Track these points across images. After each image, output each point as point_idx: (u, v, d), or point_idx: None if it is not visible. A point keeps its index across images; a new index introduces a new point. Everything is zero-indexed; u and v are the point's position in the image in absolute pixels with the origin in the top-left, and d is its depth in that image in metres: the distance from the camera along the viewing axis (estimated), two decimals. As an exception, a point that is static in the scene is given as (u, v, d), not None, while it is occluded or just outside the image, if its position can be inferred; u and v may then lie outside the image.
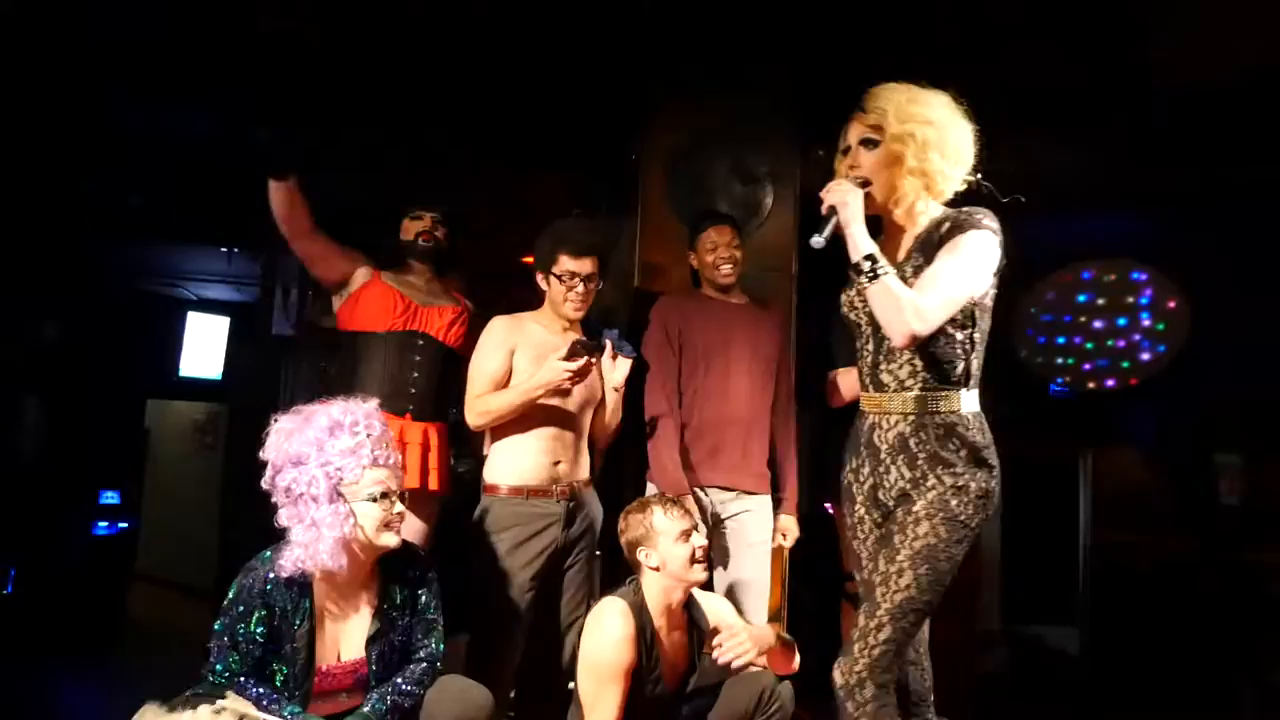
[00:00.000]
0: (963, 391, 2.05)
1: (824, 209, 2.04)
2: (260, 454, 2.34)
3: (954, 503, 1.98)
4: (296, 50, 3.72)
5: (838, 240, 2.05)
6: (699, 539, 2.63)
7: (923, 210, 2.12)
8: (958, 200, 2.15)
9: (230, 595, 2.29)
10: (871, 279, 1.98)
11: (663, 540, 2.59)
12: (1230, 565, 5.64)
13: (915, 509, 2.00)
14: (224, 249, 5.79)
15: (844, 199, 2.03)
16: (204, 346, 6.82)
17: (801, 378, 3.50)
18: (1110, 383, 6.03)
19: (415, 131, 4.14)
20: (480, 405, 2.89)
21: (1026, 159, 4.57)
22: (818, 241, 2.01)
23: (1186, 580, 5.82)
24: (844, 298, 2.19)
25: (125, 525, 6.10)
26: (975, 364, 2.09)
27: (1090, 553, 6.44)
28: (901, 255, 2.11)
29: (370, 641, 2.36)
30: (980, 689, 4.59)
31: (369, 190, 3.81)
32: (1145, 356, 5.95)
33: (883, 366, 2.10)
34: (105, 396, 6.01)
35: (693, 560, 2.59)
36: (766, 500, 3.25)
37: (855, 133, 2.14)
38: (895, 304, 1.96)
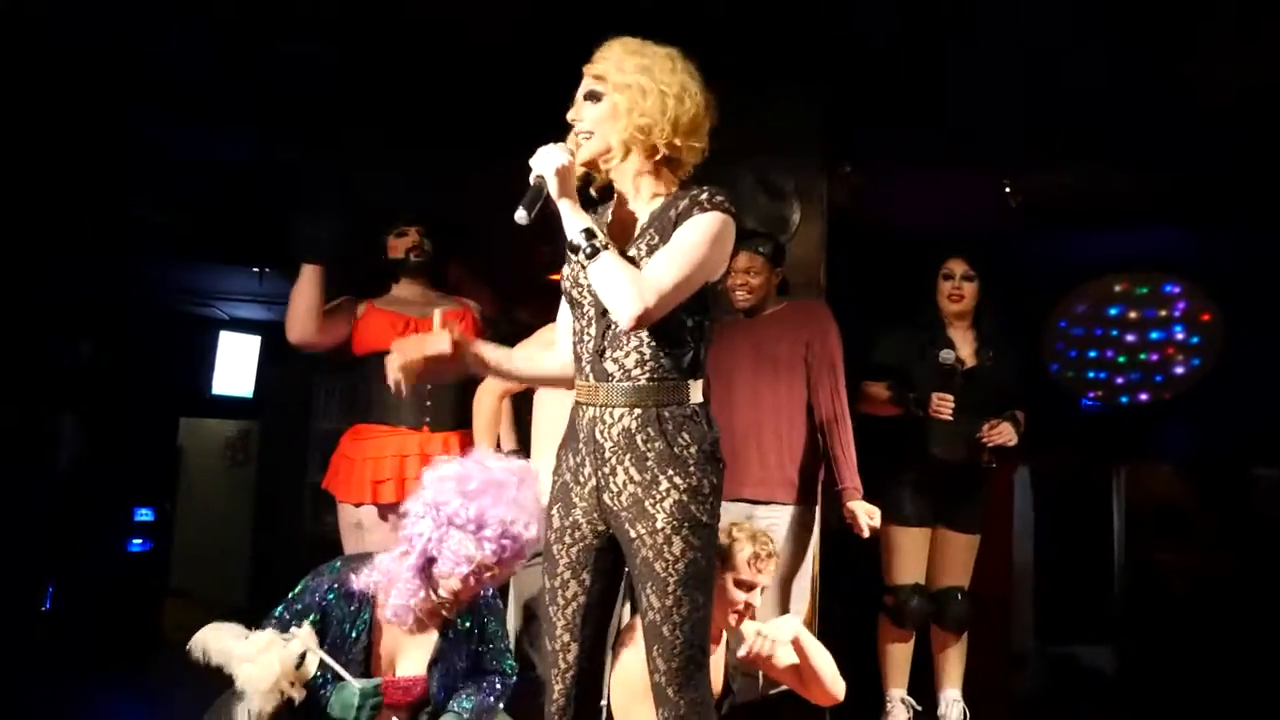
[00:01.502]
0: (691, 382, 1.88)
1: (532, 178, 1.83)
2: (427, 472, 2.32)
3: (693, 507, 1.83)
4: (335, 68, 3.76)
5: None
6: (755, 598, 2.54)
7: (656, 188, 1.92)
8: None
9: (297, 589, 2.32)
10: (590, 255, 1.78)
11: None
12: (1270, 582, 5.54)
13: (659, 525, 1.82)
14: (255, 269, 5.86)
15: (551, 168, 1.81)
16: (236, 365, 6.88)
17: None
18: (1144, 397, 5.96)
19: (436, 145, 4.17)
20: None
21: (1062, 171, 4.58)
22: (521, 216, 1.79)
23: (1224, 597, 5.71)
24: (566, 273, 1.95)
25: (159, 542, 6.17)
26: (704, 353, 1.93)
27: (1125, 570, 6.35)
28: (636, 232, 1.91)
29: (433, 663, 2.36)
30: (1015, 711, 4.52)
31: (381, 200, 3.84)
32: (1179, 370, 5.88)
33: (607, 354, 1.87)
34: (139, 415, 6.08)
35: (733, 610, 2.52)
36: (795, 510, 3.20)
37: (581, 87, 1.92)
38: (621, 282, 1.76)
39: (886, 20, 3.50)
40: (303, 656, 2.12)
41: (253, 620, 2.28)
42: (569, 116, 1.91)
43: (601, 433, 1.87)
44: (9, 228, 4.56)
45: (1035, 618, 6.12)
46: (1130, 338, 5.88)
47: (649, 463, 1.84)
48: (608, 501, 1.88)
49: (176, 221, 5.15)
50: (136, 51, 3.73)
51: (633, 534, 1.85)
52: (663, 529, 1.82)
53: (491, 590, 2.48)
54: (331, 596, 2.29)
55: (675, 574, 1.82)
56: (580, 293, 1.91)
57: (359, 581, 2.28)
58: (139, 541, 6.04)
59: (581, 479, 1.91)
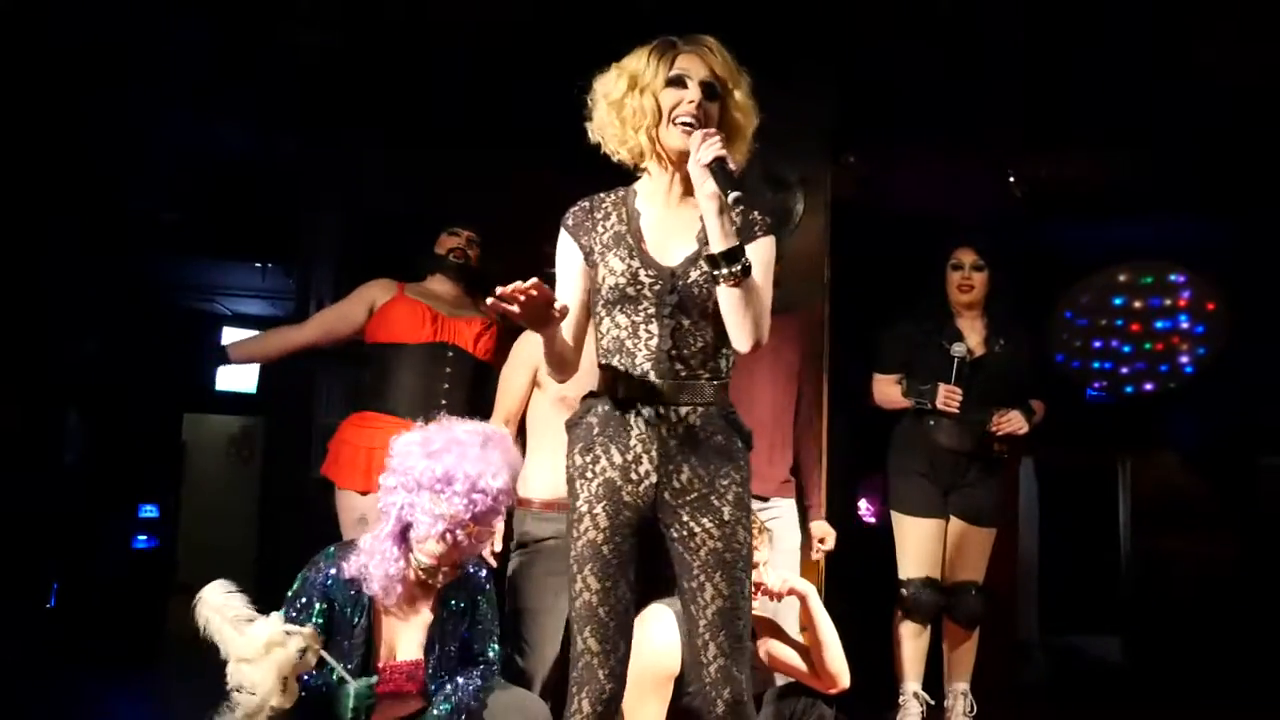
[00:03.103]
0: (729, 383, 1.97)
1: (710, 160, 1.76)
2: (394, 441, 2.35)
3: (747, 499, 1.93)
4: (335, 62, 3.76)
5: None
6: (762, 554, 2.58)
7: (686, 189, 1.91)
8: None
9: (295, 587, 2.35)
10: (745, 274, 1.78)
11: None
12: (1275, 571, 5.53)
13: (726, 517, 1.87)
14: (258, 264, 5.85)
15: (718, 152, 1.76)
16: (239, 360, 6.89)
17: (836, 381, 3.49)
18: (1149, 386, 5.94)
19: (443, 140, 4.16)
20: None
21: (1066, 161, 4.57)
22: (737, 196, 1.72)
23: (1230, 587, 5.71)
24: (619, 269, 1.89)
25: (163, 538, 6.17)
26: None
27: (1130, 560, 6.34)
28: (684, 234, 1.92)
29: (428, 646, 2.38)
30: (1020, 701, 4.52)
31: (409, 202, 3.84)
32: (1184, 360, 5.85)
33: (674, 353, 1.88)
34: (143, 411, 6.09)
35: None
36: (793, 505, 3.26)
37: (696, 69, 1.87)
38: (762, 309, 1.84)
39: (891, 10, 3.48)
40: (303, 653, 2.11)
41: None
42: (690, 100, 1.85)
43: (668, 429, 1.89)
44: (10, 224, 4.55)
45: (1040, 608, 6.12)
46: (1135, 327, 5.85)
47: (710, 458, 1.90)
48: (668, 498, 1.89)
49: (179, 217, 5.15)
50: (137, 45, 3.72)
51: (697, 528, 1.88)
52: (729, 520, 1.88)
53: (485, 571, 2.49)
54: (330, 582, 2.32)
55: (741, 560, 1.89)
56: (640, 290, 1.89)
57: (350, 567, 2.31)
58: (143, 538, 6.05)
59: (636, 476, 1.89)
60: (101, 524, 5.73)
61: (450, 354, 3.15)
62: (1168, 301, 5.83)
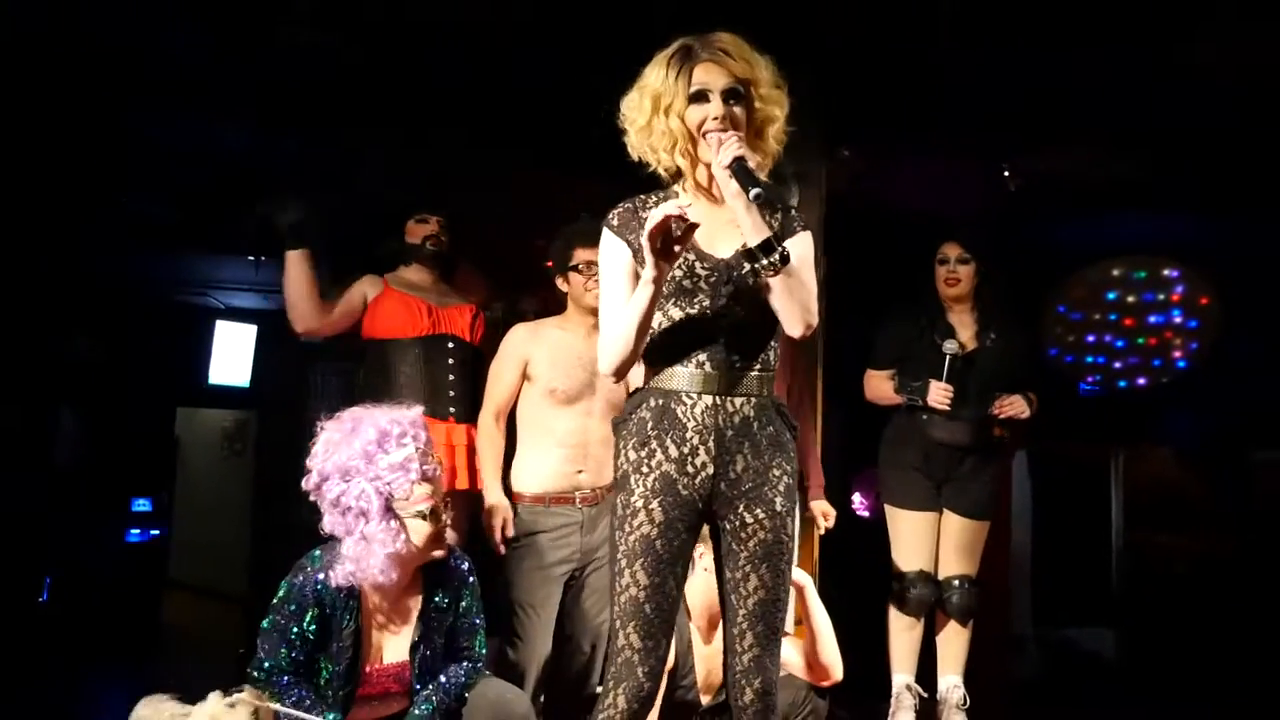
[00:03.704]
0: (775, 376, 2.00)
1: (730, 162, 1.79)
2: (307, 461, 2.31)
3: (795, 491, 1.98)
4: (316, 56, 3.74)
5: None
6: None
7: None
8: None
9: (281, 594, 2.31)
10: (784, 261, 1.80)
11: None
12: (1267, 564, 5.55)
13: (778, 509, 1.91)
14: (251, 257, 5.83)
15: (738, 151, 1.80)
16: (232, 354, 6.86)
17: (831, 375, 3.49)
18: (1142, 381, 5.95)
19: (435, 138, 4.15)
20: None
21: (1061, 156, 4.57)
22: (759, 193, 1.76)
23: (1222, 580, 5.73)
24: (654, 259, 1.84)
25: (157, 532, 6.16)
26: None
27: (1123, 554, 6.36)
28: (725, 231, 1.93)
29: (414, 646, 2.38)
30: (1014, 695, 4.53)
31: (380, 192, 3.83)
32: (1178, 354, 5.87)
33: (731, 345, 1.91)
34: (136, 405, 6.07)
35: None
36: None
37: (715, 79, 1.89)
38: (809, 294, 1.87)
39: (884, 3, 3.48)
40: (255, 715, 2.07)
41: (253, 612, 2.28)
42: (714, 116, 1.87)
43: (724, 420, 1.90)
44: (2, 219, 4.54)
45: (1034, 602, 6.14)
46: (1129, 322, 5.87)
47: (763, 449, 1.92)
48: (724, 489, 1.91)
49: (171, 210, 5.13)
50: (129, 40, 3.71)
51: (749, 518, 1.91)
52: (780, 511, 1.92)
53: (467, 564, 2.49)
54: (320, 587, 2.30)
55: (787, 553, 1.94)
56: (696, 283, 1.91)
57: (340, 577, 2.28)
58: (137, 532, 6.03)
59: (692, 468, 1.90)
60: (95, 518, 5.71)
61: (451, 344, 3.15)
62: (1161, 296, 5.84)
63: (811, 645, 2.63)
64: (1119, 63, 3.76)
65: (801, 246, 1.92)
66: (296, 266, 3.10)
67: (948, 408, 3.38)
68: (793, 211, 1.95)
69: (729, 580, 1.93)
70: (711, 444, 1.89)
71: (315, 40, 3.66)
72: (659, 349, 1.93)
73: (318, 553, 2.36)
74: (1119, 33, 3.56)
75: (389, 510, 2.28)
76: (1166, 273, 5.83)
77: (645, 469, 1.91)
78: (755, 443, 1.91)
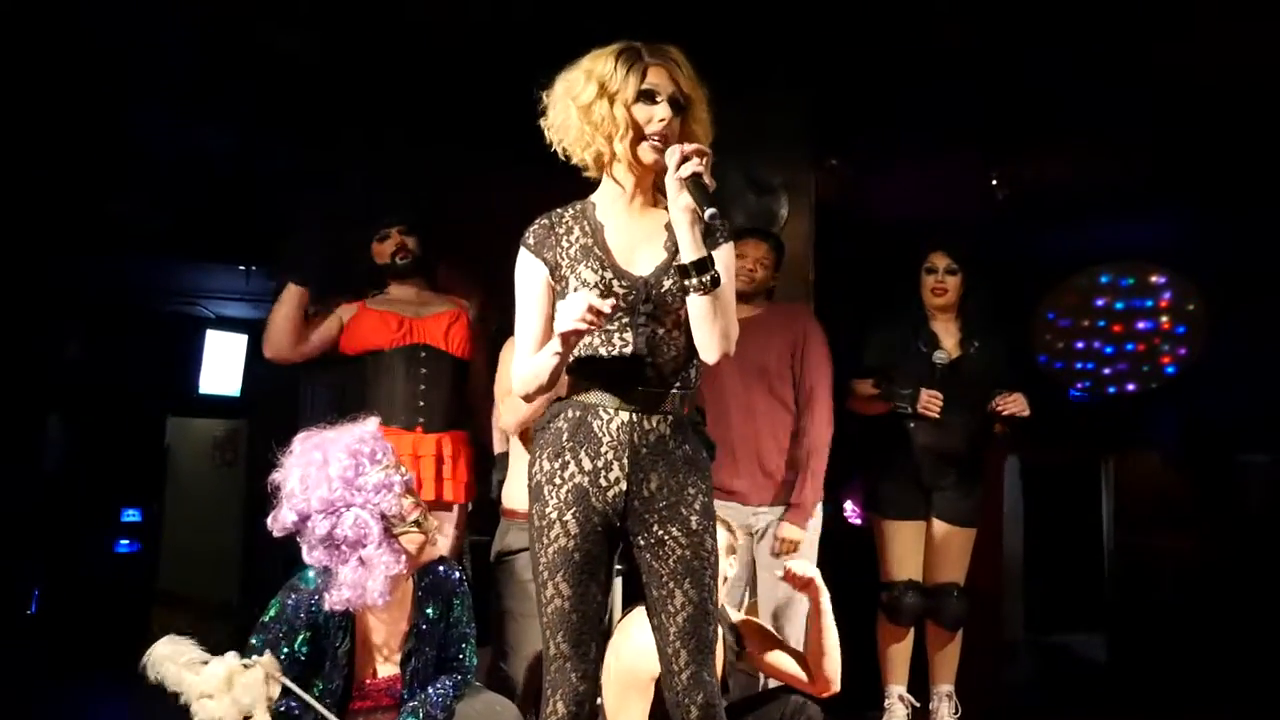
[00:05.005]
0: (695, 394, 1.98)
1: (687, 174, 1.76)
2: (282, 502, 2.24)
3: (712, 508, 1.94)
4: (307, 65, 3.75)
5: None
6: (731, 562, 2.61)
7: (649, 196, 1.96)
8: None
9: (271, 613, 2.28)
10: (714, 285, 1.79)
11: None
12: (1258, 568, 5.57)
13: (694, 526, 1.89)
14: (242, 267, 5.82)
15: (703, 169, 1.78)
16: (223, 364, 6.84)
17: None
18: (1131, 386, 5.99)
19: (422, 145, 4.16)
20: (509, 405, 2.73)
21: (1048, 163, 4.59)
22: (715, 213, 1.72)
23: (1213, 585, 5.75)
24: (590, 280, 1.87)
25: (146, 543, 6.13)
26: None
27: (1114, 559, 6.39)
28: (652, 240, 1.93)
29: (406, 658, 2.36)
30: (1006, 701, 4.54)
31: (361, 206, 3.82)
32: (1165, 360, 5.90)
33: (649, 361, 1.88)
34: (125, 415, 6.05)
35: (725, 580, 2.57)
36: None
37: (664, 84, 1.86)
38: (731, 318, 1.86)
39: (872, 14, 3.50)
40: (266, 681, 2.07)
41: (241, 621, 2.26)
42: (660, 119, 1.84)
43: (639, 437, 1.89)
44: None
45: (1025, 608, 6.16)
46: (1117, 328, 5.90)
47: (678, 467, 1.91)
48: (637, 505, 1.90)
49: (163, 220, 5.12)
50: (123, 49, 3.70)
51: (665, 535, 1.89)
52: (697, 529, 1.90)
53: (457, 574, 2.48)
54: (315, 609, 2.27)
55: (709, 568, 1.91)
56: (619, 300, 1.88)
57: (339, 604, 2.24)
58: (126, 542, 6.01)
59: (605, 482, 1.89)
60: (83, 528, 5.69)
61: (424, 354, 3.14)
62: (1149, 302, 5.88)
63: (817, 657, 2.62)
64: (1105, 67, 3.79)
65: (724, 258, 1.89)
66: (293, 301, 3.12)
67: (937, 415, 3.38)
68: (716, 220, 1.80)
69: (656, 599, 1.92)
70: (626, 460, 1.88)
71: (306, 47, 3.67)
72: (579, 362, 1.92)
73: (311, 574, 2.32)
74: (1104, 36, 3.58)
75: (388, 533, 2.26)
76: (1154, 279, 5.87)
77: (559, 480, 1.90)
78: (670, 461, 1.90)
